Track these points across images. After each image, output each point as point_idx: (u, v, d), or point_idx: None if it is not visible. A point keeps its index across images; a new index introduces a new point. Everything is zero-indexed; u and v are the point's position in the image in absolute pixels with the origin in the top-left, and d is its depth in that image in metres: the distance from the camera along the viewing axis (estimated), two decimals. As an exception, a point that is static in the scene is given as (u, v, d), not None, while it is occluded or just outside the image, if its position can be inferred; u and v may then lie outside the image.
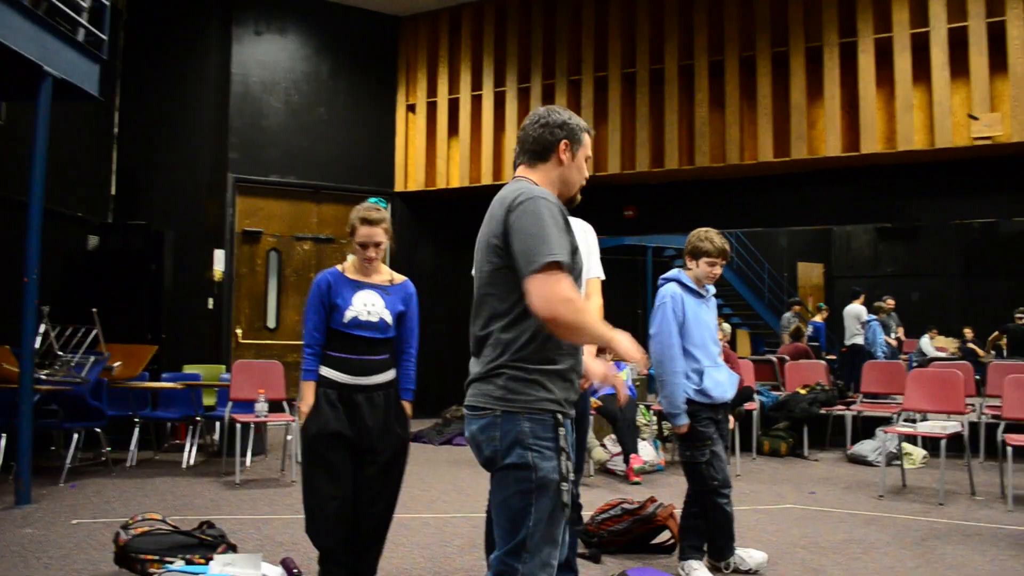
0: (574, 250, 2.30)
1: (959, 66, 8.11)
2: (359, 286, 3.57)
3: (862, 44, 8.52)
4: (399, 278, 3.72)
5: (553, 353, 2.27)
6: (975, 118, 7.93)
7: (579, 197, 2.58)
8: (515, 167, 2.56)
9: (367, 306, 3.53)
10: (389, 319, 3.56)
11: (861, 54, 8.51)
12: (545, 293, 2.13)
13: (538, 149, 2.46)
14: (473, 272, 2.51)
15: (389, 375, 3.59)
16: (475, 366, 2.38)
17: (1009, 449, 5.91)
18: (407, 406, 3.65)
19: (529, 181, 2.43)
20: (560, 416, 2.27)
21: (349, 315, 3.50)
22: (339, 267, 3.66)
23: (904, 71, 8.29)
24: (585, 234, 3.63)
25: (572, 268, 2.24)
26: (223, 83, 9.95)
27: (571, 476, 2.26)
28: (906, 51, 8.29)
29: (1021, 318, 11.48)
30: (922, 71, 8.28)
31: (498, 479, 2.28)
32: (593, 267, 3.60)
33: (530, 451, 2.22)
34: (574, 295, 2.17)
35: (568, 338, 2.22)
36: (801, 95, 8.74)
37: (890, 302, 12.50)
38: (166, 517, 4.30)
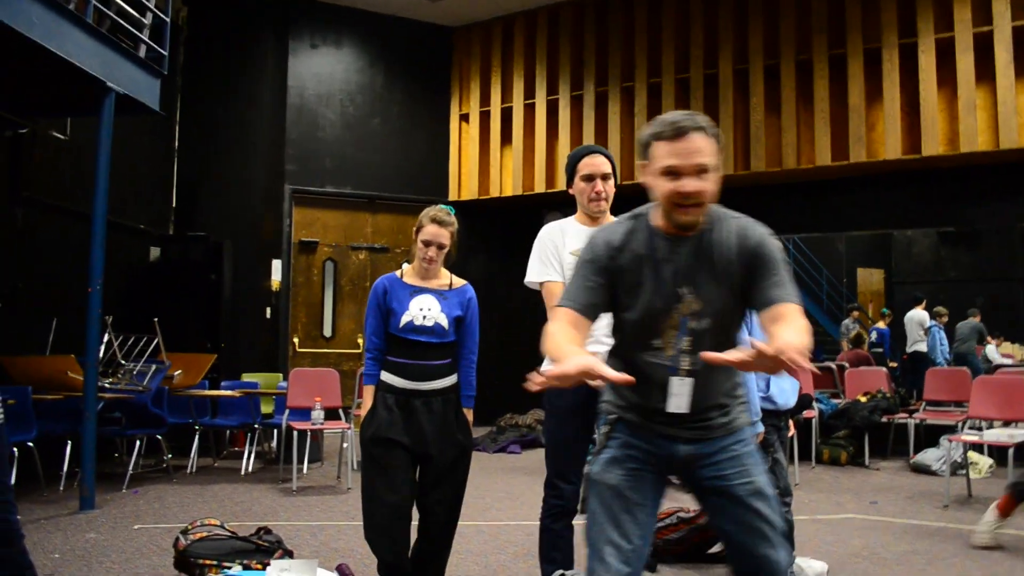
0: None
1: (1024, 64, 7.89)
2: (417, 291, 3.57)
3: (923, 44, 8.33)
4: (459, 282, 3.70)
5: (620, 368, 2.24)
6: (1042, 117, 7.69)
7: (685, 218, 2.13)
8: None
9: (423, 310, 3.52)
10: (446, 323, 3.54)
11: (922, 54, 8.32)
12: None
13: None
14: None
15: (448, 380, 3.56)
16: None
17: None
18: (468, 413, 3.63)
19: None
20: (611, 416, 2.31)
21: (404, 319, 3.49)
22: (397, 272, 3.67)
23: (967, 71, 8.08)
24: None
25: (572, 304, 2.24)
26: (280, 96, 10.12)
27: (588, 468, 2.28)
28: (969, 51, 8.09)
29: None
30: (986, 71, 8.06)
31: None
32: None
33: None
34: (548, 325, 2.22)
35: None
36: (859, 97, 8.57)
37: (977, 316, 12.08)
38: (224, 523, 4.36)
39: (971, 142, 8.00)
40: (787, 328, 2.00)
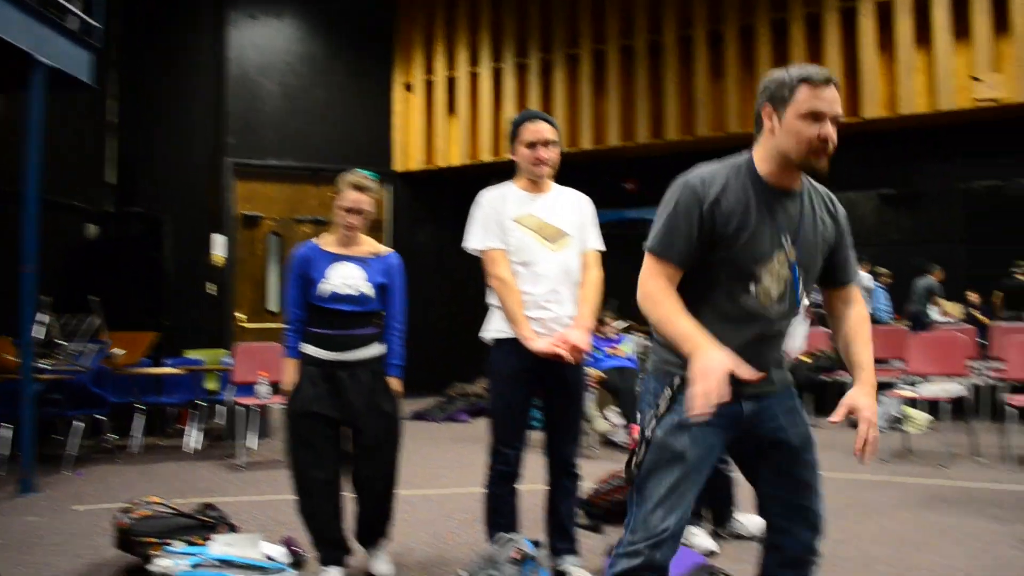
0: (713, 237, 2.15)
1: (961, 27, 8.03)
2: (337, 259, 3.49)
3: (862, 8, 8.42)
4: (384, 250, 3.63)
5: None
6: (978, 80, 7.84)
7: (821, 163, 2.15)
8: None
9: (345, 279, 3.44)
10: (369, 291, 3.47)
11: (862, 18, 8.42)
12: (642, 274, 2.18)
13: (757, 122, 2.23)
14: None
15: (374, 350, 3.51)
16: None
17: (1012, 411, 5.89)
18: (395, 382, 3.56)
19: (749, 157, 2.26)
20: (676, 378, 2.20)
21: (326, 289, 3.42)
22: (316, 240, 3.58)
23: (906, 34, 8.20)
24: (580, 206, 3.60)
25: (675, 258, 2.15)
26: (219, 68, 9.91)
27: (649, 432, 2.20)
28: (907, 13, 8.21)
29: (1017, 273, 11.28)
30: (924, 33, 8.19)
31: None
32: (591, 239, 3.57)
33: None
34: (645, 284, 2.16)
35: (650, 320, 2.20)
36: (801, 61, 8.61)
37: (938, 273, 12.19)
38: (167, 501, 4.31)
39: (910, 104, 8.14)
40: (867, 343, 2.31)
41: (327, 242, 3.56)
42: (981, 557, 3.92)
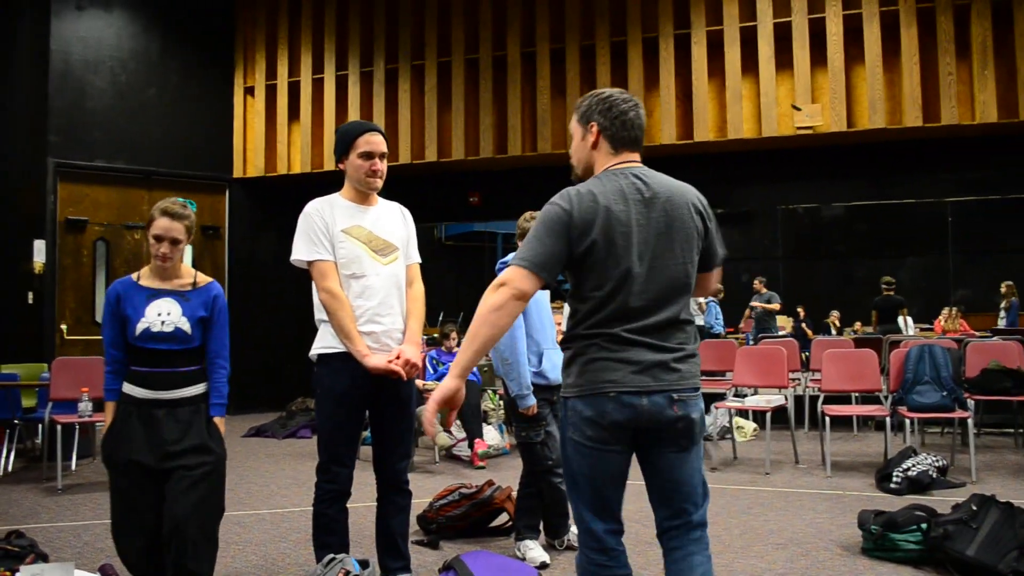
0: None
1: (784, 59, 8.53)
2: (155, 294, 3.26)
3: (695, 36, 8.82)
4: (204, 280, 3.40)
5: None
6: (798, 109, 8.37)
7: None
8: (619, 150, 2.55)
9: (161, 315, 3.22)
10: (187, 327, 3.24)
11: (694, 45, 8.81)
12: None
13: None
14: (640, 258, 2.38)
15: (197, 388, 3.28)
16: (663, 351, 2.41)
17: (827, 419, 6.30)
18: (219, 423, 3.32)
19: None
20: None
21: (140, 327, 3.18)
22: (134, 275, 3.34)
23: (734, 63, 8.64)
24: (404, 219, 3.60)
25: None
26: (41, 61, 9.27)
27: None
28: (736, 44, 8.65)
29: (886, 289, 12.10)
30: (750, 63, 8.65)
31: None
32: (412, 253, 3.58)
33: None
34: None
35: None
36: (639, 84, 8.96)
37: (757, 283, 12.79)
38: (-32, 528, 3.98)
39: (737, 129, 8.59)
40: None
41: (144, 276, 3.33)
42: (799, 560, 4.16)
